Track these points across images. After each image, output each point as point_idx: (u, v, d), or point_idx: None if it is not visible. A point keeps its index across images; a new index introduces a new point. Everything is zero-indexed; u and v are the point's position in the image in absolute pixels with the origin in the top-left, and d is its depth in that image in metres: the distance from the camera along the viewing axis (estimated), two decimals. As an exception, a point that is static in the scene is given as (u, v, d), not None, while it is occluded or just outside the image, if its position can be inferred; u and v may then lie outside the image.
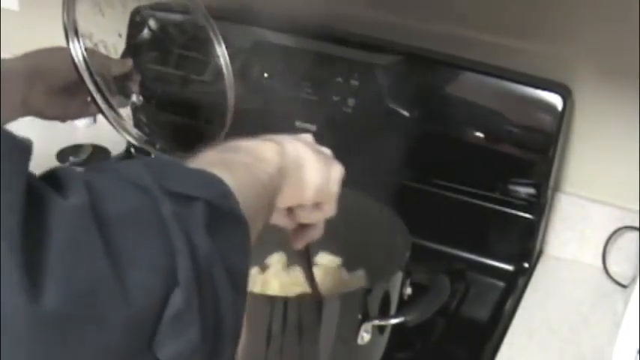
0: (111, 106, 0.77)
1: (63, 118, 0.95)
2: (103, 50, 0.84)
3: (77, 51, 0.75)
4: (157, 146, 0.81)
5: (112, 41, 0.88)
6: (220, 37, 0.90)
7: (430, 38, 1.15)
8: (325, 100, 1.15)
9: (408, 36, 1.16)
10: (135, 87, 0.86)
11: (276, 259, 0.99)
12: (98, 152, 1.42)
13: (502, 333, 1.00)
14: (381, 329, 0.83)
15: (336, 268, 0.97)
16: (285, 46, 1.19)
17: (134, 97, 0.84)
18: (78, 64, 0.75)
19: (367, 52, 1.14)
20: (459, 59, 1.12)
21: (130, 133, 0.79)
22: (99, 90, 0.76)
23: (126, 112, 0.81)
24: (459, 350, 0.97)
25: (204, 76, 1.24)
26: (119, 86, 0.83)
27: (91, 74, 0.75)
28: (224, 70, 0.91)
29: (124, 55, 0.90)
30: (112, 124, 0.77)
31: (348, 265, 0.97)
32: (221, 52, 0.92)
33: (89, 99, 0.78)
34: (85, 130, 1.53)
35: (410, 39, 1.16)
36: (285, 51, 1.18)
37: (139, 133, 0.80)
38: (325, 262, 0.97)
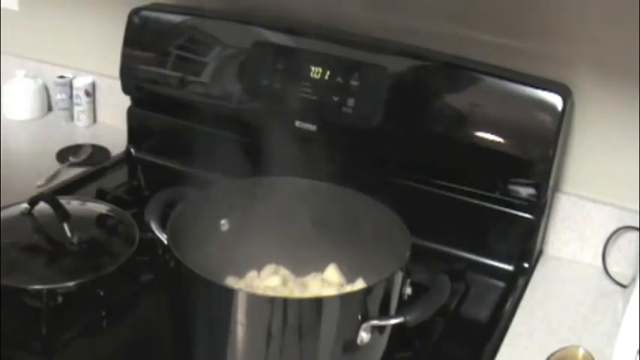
0: None
1: None
2: None
3: None
4: None
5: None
6: None
7: (430, 38, 1.15)
8: (325, 100, 1.15)
9: (408, 36, 1.16)
10: None
11: (270, 271, 0.99)
12: (98, 152, 1.42)
13: (502, 333, 1.00)
14: (380, 329, 0.83)
15: (337, 285, 0.97)
16: (285, 46, 1.19)
17: None
18: None
19: (367, 52, 1.14)
20: (459, 59, 1.12)
21: None
22: None
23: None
24: (459, 350, 0.97)
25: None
26: None
27: None
28: None
29: None
30: None
31: (348, 266, 0.97)
32: None
33: None
34: (85, 130, 1.53)
35: (410, 39, 1.16)
36: (285, 51, 1.18)
37: None
38: (329, 278, 0.97)
